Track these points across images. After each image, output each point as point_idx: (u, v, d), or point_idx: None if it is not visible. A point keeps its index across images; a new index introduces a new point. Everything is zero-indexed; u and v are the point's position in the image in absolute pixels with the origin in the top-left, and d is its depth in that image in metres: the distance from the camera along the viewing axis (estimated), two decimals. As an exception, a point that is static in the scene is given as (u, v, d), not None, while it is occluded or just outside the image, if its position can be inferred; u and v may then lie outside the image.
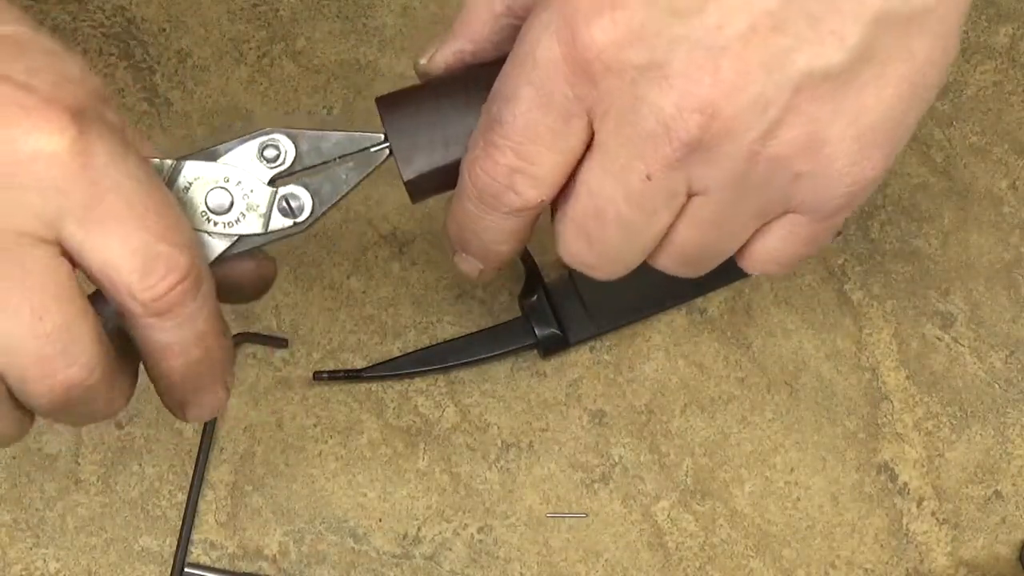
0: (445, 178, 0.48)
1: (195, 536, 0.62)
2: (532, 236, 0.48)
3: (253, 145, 0.46)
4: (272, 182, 0.46)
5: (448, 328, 0.66)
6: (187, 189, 0.45)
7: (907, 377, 0.67)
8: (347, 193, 0.47)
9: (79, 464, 0.63)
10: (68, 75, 0.40)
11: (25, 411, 0.42)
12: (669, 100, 0.41)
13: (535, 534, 0.64)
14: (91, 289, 0.41)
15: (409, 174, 0.47)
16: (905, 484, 0.65)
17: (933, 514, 0.65)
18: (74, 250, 0.40)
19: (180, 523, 0.62)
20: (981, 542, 0.65)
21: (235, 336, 0.64)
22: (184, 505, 0.63)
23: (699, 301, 0.67)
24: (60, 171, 0.39)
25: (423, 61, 0.49)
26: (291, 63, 0.69)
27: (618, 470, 0.65)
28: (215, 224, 0.45)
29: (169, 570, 0.62)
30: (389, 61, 0.70)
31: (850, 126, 0.42)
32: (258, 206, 0.45)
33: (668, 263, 0.47)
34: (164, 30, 0.70)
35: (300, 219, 0.46)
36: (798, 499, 0.65)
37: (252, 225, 0.45)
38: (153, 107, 0.68)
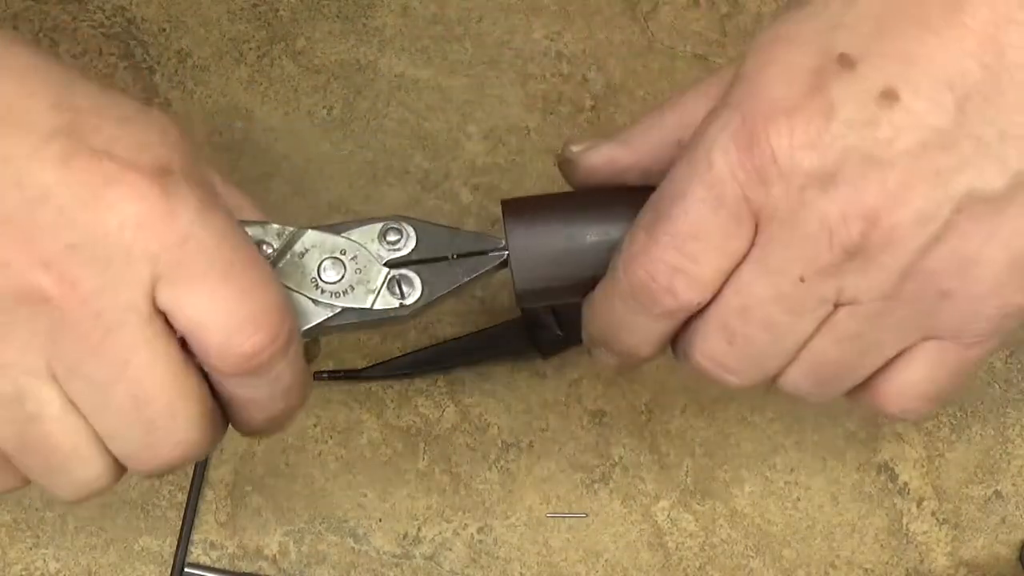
0: (558, 294, 0.47)
1: (195, 536, 0.62)
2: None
3: (376, 227, 0.46)
4: (388, 264, 0.46)
5: (448, 328, 0.66)
6: (302, 255, 0.45)
7: (907, 377, 0.67)
8: (457, 289, 0.46)
9: (79, 464, 0.63)
10: (146, 137, 0.40)
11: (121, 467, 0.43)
12: (835, 206, 0.41)
13: (535, 534, 0.64)
14: None
15: (522, 286, 0.47)
16: (905, 484, 0.65)
17: (933, 514, 0.65)
18: (167, 311, 0.40)
19: (180, 523, 0.62)
20: (981, 542, 0.65)
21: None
22: (184, 505, 0.63)
23: (699, 301, 0.67)
24: (148, 234, 0.38)
25: (576, 149, 0.49)
26: (291, 63, 0.69)
27: (618, 470, 0.65)
28: (322, 292, 0.45)
29: (169, 570, 0.62)
30: (389, 61, 0.70)
31: (1003, 249, 0.42)
32: (369, 282, 0.45)
33: (800, 378, 0.46)
34: (164, 30, 0.70)
35: (407, 302, 0.46)
36: (798, 499, 0.65)
37: (359, 299, 0.45)
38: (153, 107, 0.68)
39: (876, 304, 0.43)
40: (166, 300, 0.39)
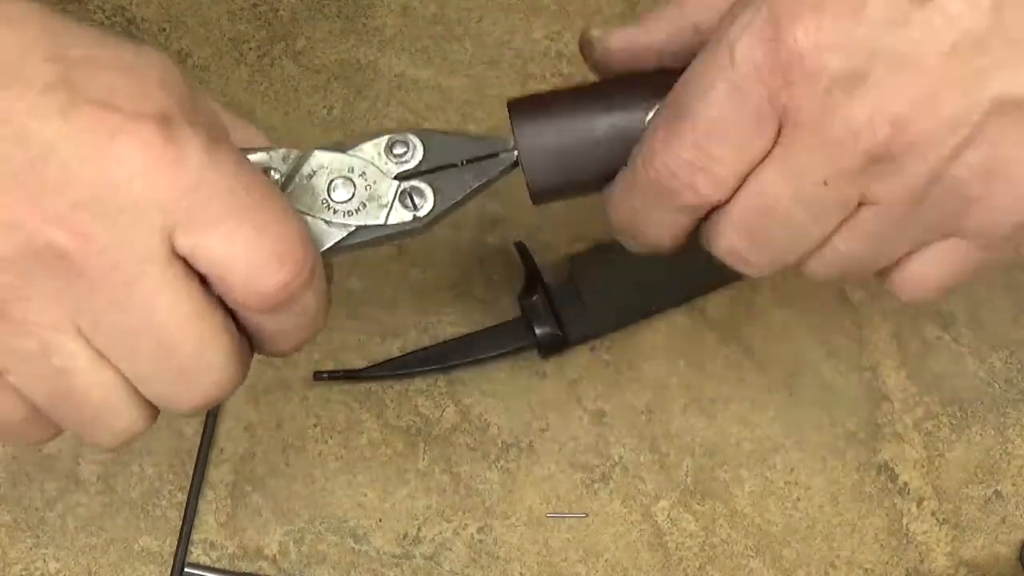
0: (575, 189, 0.47)
1: (195, 536, 0.62)
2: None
3: (382, 141, 0.45)
4: (397, 177, 0.45)
5: (448, 328, 0.66)
6: (311, 177, 0.44)
7: (907, 377, 0.67)
8: (470, 194, 0.46)
9: (79, 464, 0.63)
10: (146, 84, 0.39)
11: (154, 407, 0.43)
12: (862, 110, 0.41)
13: (535, 534, 0.64)
14: None
15: (536, 185, 0.46)
16: (905, 484, 0.65)
17: (933, 514, 0.65)
18: (187, 256, 0.39)
19: (180, 523, 0.62)
20: (981, 542, 0.65)
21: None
22: (184, 505, 0.63)
23: (699, 301, 0.67)
24: (157, 183, 0.38)
25: (597, 33, 0.48)
26: (291, 63, 0.69)
27: (618, 470, 0.65)
28: (335, 212, 0.45)
29: (169, 570, 0.62)
30: (389, 61, 0.70)
31: None
32: (380, 197, 0.45)
33: (819, 268, 0.46)
34: (164, 30, 0.70)
35: (420, 213, 0.45)
36: (798, 499, 0.65)
37: (372, 216, 0.45)
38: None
39: (899, 207, 0.43)
40: (185, 246, 0.39)
